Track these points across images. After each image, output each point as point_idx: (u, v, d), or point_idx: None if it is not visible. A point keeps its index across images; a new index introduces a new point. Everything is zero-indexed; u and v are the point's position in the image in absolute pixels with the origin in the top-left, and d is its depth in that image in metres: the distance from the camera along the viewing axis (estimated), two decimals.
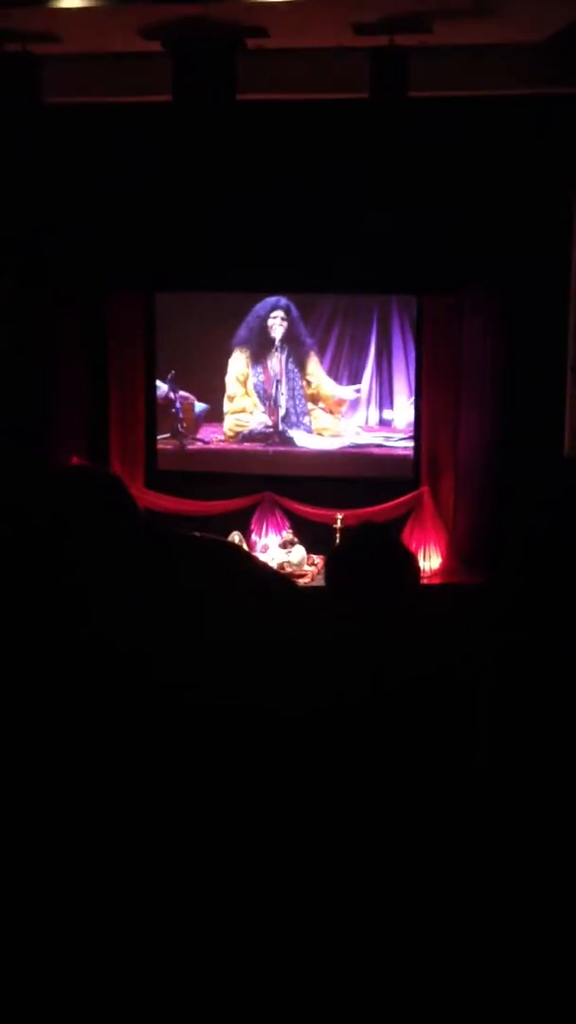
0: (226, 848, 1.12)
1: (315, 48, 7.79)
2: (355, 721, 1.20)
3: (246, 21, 7.21)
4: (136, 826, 1.12)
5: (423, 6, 6.88)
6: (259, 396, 9.94)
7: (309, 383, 9.81)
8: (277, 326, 9.77)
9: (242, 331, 9.85)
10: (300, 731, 1.15)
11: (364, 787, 1.20)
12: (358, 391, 9.76)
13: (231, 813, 1.12)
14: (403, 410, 9.78)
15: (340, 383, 9.85)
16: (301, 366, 9.83)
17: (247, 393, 9.95)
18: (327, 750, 1.16)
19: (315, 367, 9.80)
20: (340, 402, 9.80)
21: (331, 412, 9.83)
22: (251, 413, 9.97)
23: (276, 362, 9.85)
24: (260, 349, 9.85)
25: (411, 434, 9.73)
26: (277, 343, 9.80)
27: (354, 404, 9.85)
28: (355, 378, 9.81)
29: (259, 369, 9.89)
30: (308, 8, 6.93)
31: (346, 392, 9.77)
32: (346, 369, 9.82)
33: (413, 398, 9.70)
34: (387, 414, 9.84)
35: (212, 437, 10.09)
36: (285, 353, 9.83)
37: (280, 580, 1.42)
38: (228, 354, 9.91)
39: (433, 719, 1.28)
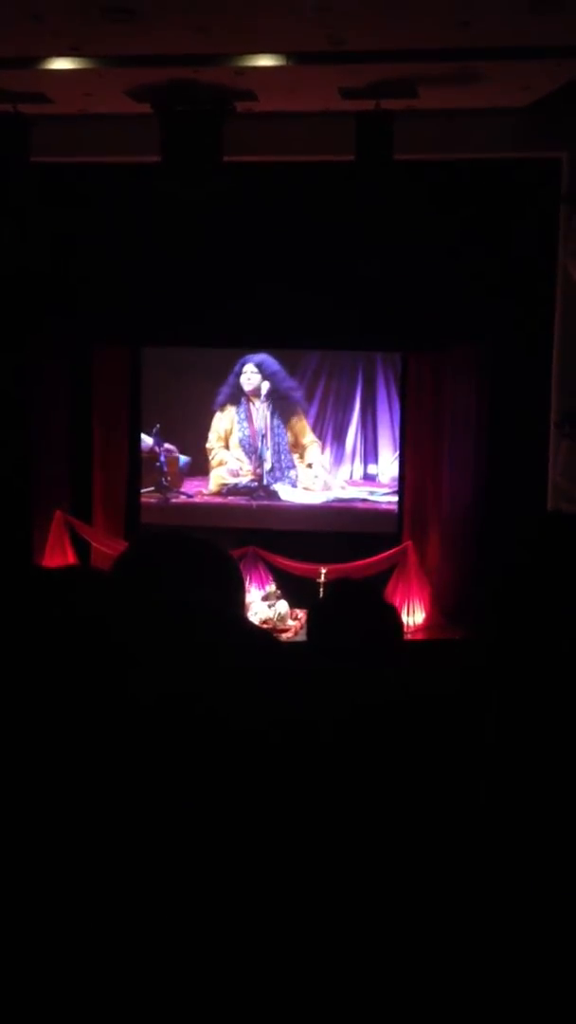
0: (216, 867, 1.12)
1: (303, 112, 7.94)
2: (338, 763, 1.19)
3: (235, 85, 7.34)
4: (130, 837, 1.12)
5: (409, 72, 7.02)
6: (245, 450, 9.96)
7: (293, 435, 9.86)
8: (247, 381, 9.82)
9: (224, 389, 9.90)
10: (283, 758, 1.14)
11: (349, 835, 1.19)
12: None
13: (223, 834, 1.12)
14: (387, 465, 9.82)
15: (325, 438, 9.89)
16: (286, 420, 9.88)
17: (228, 448, 9.96)
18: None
19: (299, 421, 9.85)
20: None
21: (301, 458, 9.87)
22: (236, 467, 9.97)
23: (261, 417, 9.89)
24: (243, 404, 9.90)
25: (395, 489, 9.77)
26: (262, 397, 9.84)
27: (339, 458, 9.89)
28: (340, 432, 9.86)
29: (244, 424, 9.93)
30: (296, 73, 7.06)
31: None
32: (331, 424, 9.87)
33: (397, 453, 9.75)
34: (371, 469, 9.88)
35: (196, 491, 10.09)
36: (270, 408, 9.87)
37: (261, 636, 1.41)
38: (213, 408, 9.95)
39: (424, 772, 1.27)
